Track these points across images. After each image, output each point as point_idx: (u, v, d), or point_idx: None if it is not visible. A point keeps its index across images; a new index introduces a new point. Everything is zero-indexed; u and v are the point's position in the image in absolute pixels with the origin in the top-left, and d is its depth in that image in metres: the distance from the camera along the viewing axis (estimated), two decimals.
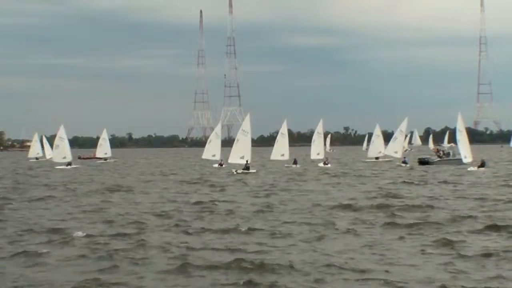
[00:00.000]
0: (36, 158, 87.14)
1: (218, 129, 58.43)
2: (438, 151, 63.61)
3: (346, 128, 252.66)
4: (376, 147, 66.50)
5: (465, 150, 49.15)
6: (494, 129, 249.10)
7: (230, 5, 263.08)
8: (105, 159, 75.89)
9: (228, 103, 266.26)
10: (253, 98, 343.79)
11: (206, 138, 75.60)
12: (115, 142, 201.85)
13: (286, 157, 57.83)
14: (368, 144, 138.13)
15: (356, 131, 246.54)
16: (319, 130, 62.47)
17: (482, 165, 46.22)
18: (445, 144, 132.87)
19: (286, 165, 56.30)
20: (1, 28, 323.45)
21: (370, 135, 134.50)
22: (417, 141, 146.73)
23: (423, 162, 59.26)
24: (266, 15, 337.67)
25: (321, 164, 56.86)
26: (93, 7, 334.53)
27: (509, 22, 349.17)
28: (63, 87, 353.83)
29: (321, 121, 62.11)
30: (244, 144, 48.76)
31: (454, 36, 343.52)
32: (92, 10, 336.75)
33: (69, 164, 59.13)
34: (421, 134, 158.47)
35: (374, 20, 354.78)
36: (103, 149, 77.57)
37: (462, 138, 49.15)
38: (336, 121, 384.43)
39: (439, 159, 58.03)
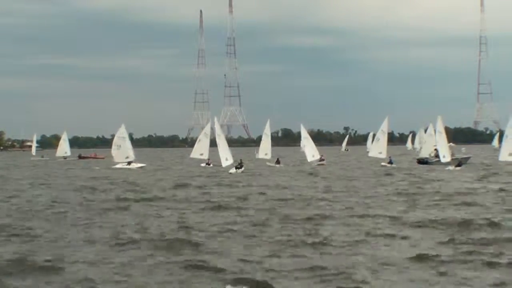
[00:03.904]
0: (64, 158, 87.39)
1: (207, 128, 58.35)
2: (436, 151, 63.53)
3: (346, 128, 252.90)
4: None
5: (444, 150, 52.93)
6: (494, 129, 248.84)
7: (230, 5, 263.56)
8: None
9: (228, 103, 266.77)
10: (253, 98, 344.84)
11: None
12: None
13: (269, 156, 60.25)
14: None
15: (356, 131, 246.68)
16: (267, 131, 62.04)
17: (459, 165, 49.94)
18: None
19: (268, 163, 57.70)
20: (1, 28, 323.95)
21: (366, 136, 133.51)
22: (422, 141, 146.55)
23: (422, 162, 59.41)
24: (266, 15, 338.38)
25: (314, 164, 57.91)
26: (93, 7, 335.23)
27: (509, 22, 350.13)
28: (63, 87, 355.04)
29: (268, 122, 61.70)
30: (223, 146, 49.32)
31: (454, 36, 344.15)
32: (92, 10, 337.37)
33: (130, 163, 56.78)
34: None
35: (374, 20, 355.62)
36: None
37: (441, 139, 53.09)
38: (336, 121, 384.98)
39: (437, 159, 58.03)
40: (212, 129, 53.51)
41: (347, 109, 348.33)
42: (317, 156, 59.51)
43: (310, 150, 59.34)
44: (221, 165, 48.96)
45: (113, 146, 79.68)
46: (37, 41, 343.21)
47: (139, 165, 57.43)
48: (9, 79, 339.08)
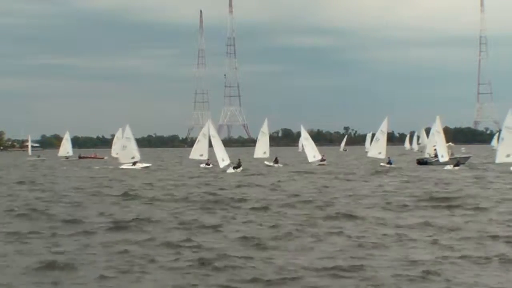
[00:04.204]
0: (66, 158, 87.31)
1: (205, 129, 57.80)
2: (436, 151, 63.46)
3: (346, 128, 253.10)
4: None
5: (442, 150, 54.10)
6: (494, 129, 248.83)
7: (230, 5, 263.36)
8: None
9: (228, 103, 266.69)
10: (253, 98, 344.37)
11: None
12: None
13: (267, 155, 60.37)
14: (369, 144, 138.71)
15: (356, 131, 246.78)
16: (264, 130, 62.28)
17: (457, 164, 50.88)
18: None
19: (266, 162, 57.88)
20: (1, 28, 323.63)
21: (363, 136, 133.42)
22: (424, 140, 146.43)
23: (421, 162, 59.45)
24: (266, 15, 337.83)
25: (315, 164, 57.93)
26: (93, 7, 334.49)
27: (509, 22, 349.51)
28: (63, 87, 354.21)
29: (266, 121, 62.02)
30: (218, 147, 49.47)
31: (454, 36, 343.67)
32: (92, 10, 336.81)
33: (135, 163, 56.20)
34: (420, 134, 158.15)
35: (374, 20, 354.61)
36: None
37: (439, 139, 54.31)
38: (336, 121, 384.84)
39: (437, 159, 58.12)
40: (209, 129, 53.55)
41: (347, 109, 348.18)
42: (318, 157, 59.47)
43: (310, 151, 59.35)
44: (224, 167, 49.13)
45: (113, 146, 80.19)
46: (37, 41, 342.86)
47: (144, 165, 57.28)
48: (9, 79, 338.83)
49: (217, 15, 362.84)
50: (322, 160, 60.19)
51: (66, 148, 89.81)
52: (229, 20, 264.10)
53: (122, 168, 55.21)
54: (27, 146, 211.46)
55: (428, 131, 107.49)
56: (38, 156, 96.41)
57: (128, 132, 58.55)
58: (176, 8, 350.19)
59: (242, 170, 48.55)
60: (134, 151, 57.80)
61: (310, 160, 58.61)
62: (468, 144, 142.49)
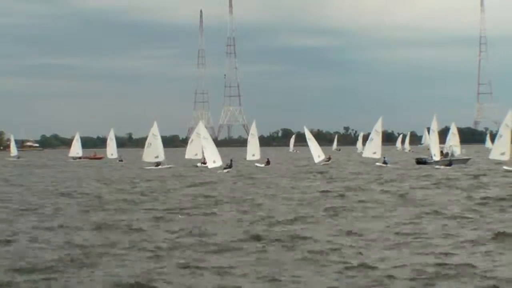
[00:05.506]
0: (73, 158, 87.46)
1: (198, 129, 57.44)
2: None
3: (346, 128, 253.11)
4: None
5: (435, 149, 55.52)
6: (494, 129, 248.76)
7: (230, 5, 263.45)
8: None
9: (228, 103, 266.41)
10: (253, 98, 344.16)
11: None
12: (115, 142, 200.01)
13: (257, 156, 60.27)
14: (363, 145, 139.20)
15: (356, 131, 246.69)
16: (253, 132, 62.55)
17: (450, 164, 52.21)
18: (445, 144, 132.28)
19: (256, 164, 57.88)
20: (1, 28, 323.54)
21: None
22: (426, 140, 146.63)
23: (420, 162, 59.57)
24: (266, 15, 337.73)
25: (321, 164, 58.13)
26: (93, 7, 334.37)
27: (509, 22, 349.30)
28: (63, 87, 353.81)
29: (254, 123, 62.41)
30: (210, 148, 49.41)
31: (454, 36, 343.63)
32: (92, 10, 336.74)
33: (158, 164, 55.73)
34: (421, 134, 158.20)
35: (374, 20, 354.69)
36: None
37: (433, 137, 55.92)
38: (336, 121, 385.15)
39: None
40: (206, 128, 53.75)
41: (347, 109, 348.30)
42: (323, 156, 59.66)
43: (315, 151, 59.56)
44: (214, 168, 49.20)
45: (108, 148, 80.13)
46: (37, 41, 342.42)
47: (167, 166, 56.77)
48: (9, 79, 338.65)
49: (217, 15, 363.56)
50: (327, 160, 60.39)
51: (76, 149, 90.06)
52: (229, 20, 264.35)
53: (147, 169, 54.42)
54: (27, 146, 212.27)
55: (428, 131, 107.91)
56: (18, 157, 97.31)
57: (155, 129, 57.66)
58: (176, 8, 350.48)
59: (228, 171, 48.46)
60: (159, 149, 57.12)
61: (316, 161, 58.52)
62: (468, 144, 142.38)
